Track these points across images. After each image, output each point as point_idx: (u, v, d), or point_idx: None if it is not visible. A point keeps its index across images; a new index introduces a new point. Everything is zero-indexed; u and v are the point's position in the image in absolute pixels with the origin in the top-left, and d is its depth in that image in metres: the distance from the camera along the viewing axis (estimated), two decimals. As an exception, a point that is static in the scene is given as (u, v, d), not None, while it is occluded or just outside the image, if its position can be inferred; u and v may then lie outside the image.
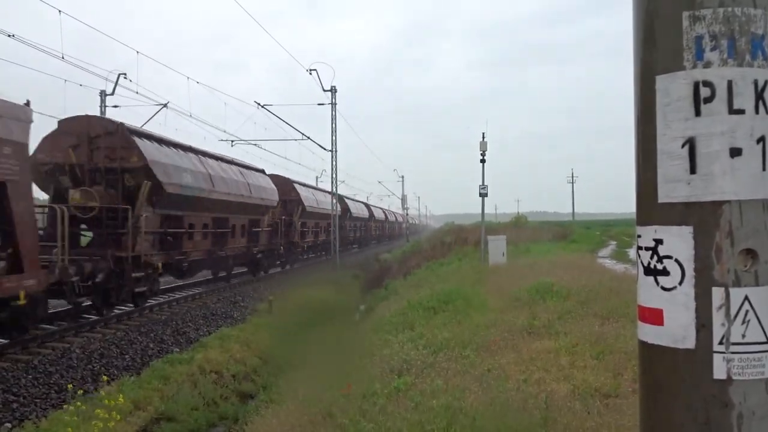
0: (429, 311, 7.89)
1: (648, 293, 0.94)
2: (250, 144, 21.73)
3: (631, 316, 6.00)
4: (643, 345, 0.95)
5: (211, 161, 11.15)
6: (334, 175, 23.06)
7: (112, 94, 15.42)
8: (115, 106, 16.56)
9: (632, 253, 19.51)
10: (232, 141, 21.46)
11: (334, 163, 22.93)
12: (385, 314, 8.55)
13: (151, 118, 15.62)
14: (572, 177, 63.12)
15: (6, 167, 3.19)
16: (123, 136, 7.71)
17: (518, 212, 51.73)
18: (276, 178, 18.16)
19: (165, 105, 15.97)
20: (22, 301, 4.14)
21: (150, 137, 8.74)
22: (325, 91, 21.37)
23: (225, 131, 19.21)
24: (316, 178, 50.82)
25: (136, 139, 7.91)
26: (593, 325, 5.81)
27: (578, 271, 10.60)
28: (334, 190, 23.06)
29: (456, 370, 4.60)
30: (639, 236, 0.98)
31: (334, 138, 22.45)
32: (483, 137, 16.74)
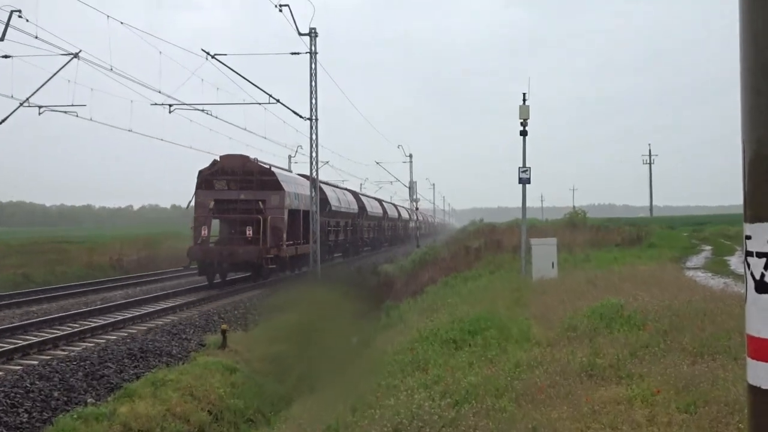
0: (448, 345, 7.80)
1: (763, 319, 0.90)
2: (195, 110, 21.63)
3: (735, 352, 5.76)
4: (756, 392, 0.94)
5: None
6: (313, 154, 22.76)
7: (2, 39, 14.97)
8: (6, 56, 16.03)
9: (736, 262, 19.05)
10: (170, 105, 21.30)
11: (313, 136, 22.66)
12: (387, 349, 8.59)
13: (55, 74, 16.28)
14: (649, 156, 61.31)
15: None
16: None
17: (574, 206, 50.97)
18: (305, 178, 26.55)
19: (75, 55, 16.11)
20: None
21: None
22: (301, 35, 20.90)
23: (160, 92, 18.87)
24: (289, 157, 54.03)
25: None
26: (680, 365, 5.59)
27: (658, 288, 10.47)
28: (314, 173, 22.99)
29: (488, 430, 4.42)
30: (748, 238, 0.97)
31: (313, 101, 22.01)
32: (524, 100, 16.63)
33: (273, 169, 23.97)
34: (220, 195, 23.71)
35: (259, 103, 21.48)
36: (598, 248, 22.99)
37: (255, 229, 23.45)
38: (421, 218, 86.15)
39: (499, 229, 44.51)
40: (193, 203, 22.95)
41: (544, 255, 15.83)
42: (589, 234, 28.07)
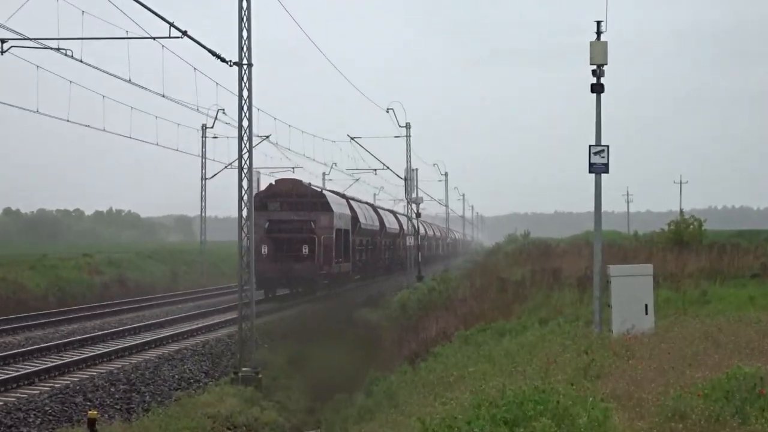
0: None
1: None
2: (45, 47, 21.55)
3: None
4: None
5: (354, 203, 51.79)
6: (244, 121, 23.08)
7: None
8: None
9: None
10: (2, 41, 21.50)
11: (244, 92, 22.89)
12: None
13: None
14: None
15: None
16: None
17: (681, 210, 48.43)
18: (336, 194, 48.27)
19: None
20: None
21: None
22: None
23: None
24: (204, 126, 56.25)
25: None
26: None
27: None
28: (244, 154, 22.93)
29: None
30: None
31: (243, 34, 22.43)
32: (598, 32, 16.62)
33: (324, 191, 41.61)
34: (274, 216, 43.63)
35: (154, 38, 21.01)
36: (722, 281, 22.87)
37: (310, 247, 42.57)
38: (425, 230, 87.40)
39: (555, 249, 44.80)
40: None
41: (631, 293, 15.95)
42: (707, 258, 27.75)
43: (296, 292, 44.94)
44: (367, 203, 64.01)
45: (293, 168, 64.61)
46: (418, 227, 65.76)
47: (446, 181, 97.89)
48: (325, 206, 45.16)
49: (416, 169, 62.02)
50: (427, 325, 27.12)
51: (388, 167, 61.30)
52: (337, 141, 59.52)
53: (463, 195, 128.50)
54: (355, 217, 52.32)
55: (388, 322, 34.43)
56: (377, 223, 60.32)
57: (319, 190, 48.03)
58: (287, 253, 43.14)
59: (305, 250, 42.76)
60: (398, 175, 61.20)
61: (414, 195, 61.53)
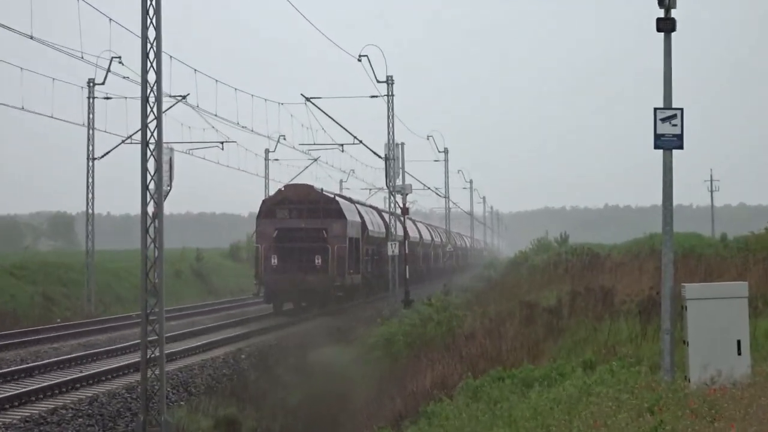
0: None
1: None
2: None
3: None
4: None
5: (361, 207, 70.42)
6: (153, 74, 23.02)
7: None
8: None
9: None
10: None
11: (150, 26, 22.55)
12: None
13: None
14: None
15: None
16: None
17: None
18: (344, 199, 65.26)
19: None
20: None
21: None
22: None
23: None
24: (92, 82, 56.87)
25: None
26: None
27: None
28: (150, 125, 22.84)
29: None
30: None
31: None
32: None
33: (336, 197, 56.16)
34: (282, 224, 56.66)
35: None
36: None
37: (323, 257, 55.34)
38: (418, 233, 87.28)
39: (606, 260, 44.63)
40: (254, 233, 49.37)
41: (717, 324, 16.10)
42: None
43: (302, 307, 58.32)
44: (371, 206, 76.38)
45: (222, 143, 64.72)
46: (406, 229, 65.71)
47: (446, 159, 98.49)
48: (338, 213, 57.99)
49: (401, 144, 61.97)
50: (418, 372, 27.12)
51: (360, 141, 61.39)
52: (286, 103, 59.55)
53: (471, 181, 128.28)
54: (363, 224, 64.71)
55: (364, 367, 34.59)
56: (383, 230, 72.18)
57: (332, 196, 61.71)
58: (298, 263, 56.02)
59: (318, 260, 55.69)
60: (376, 153, 61.23)
61: (398, 182, 61.48)
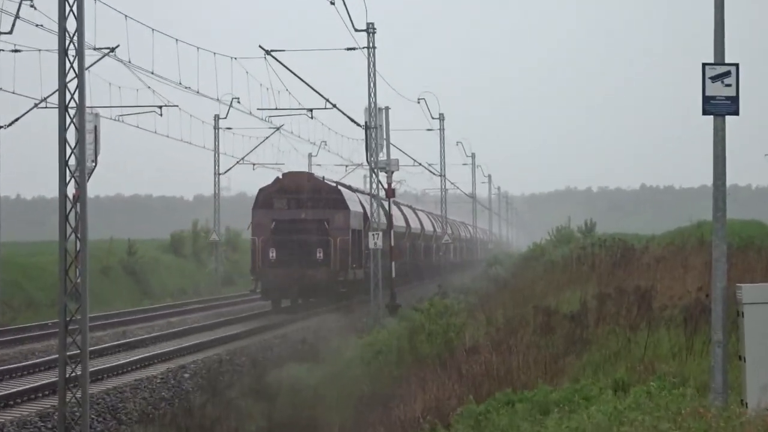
0: None
1: None
2: None
3: None
4: None
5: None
6: (74, 21, 22.85)
7: None
8: None
9: None
10: None
11: None
12: None
13: None
14: None
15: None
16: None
17: None
18: (345, 187, 75.59)
19: None
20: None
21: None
22: None
23: None
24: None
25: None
26: None
27: None
28: (70, 85, 22.84)
29: None
30: None
31: None
32: None
33: (339, 186, 68.15)
34: (280, 215, 64.71)
35: None
36: None
37: (325, 251, 63.36)
38: (405, 222, 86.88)
39: (642, 254, 44.28)
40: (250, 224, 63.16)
41: None
42: None
43: (299, 304, 67.34)
44: (372, 194, 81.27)
45: (160, 108, 64.59)
46: (390, 215, 65.78)
47: (441, 128, 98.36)
48: (340, 204, 65.99)
49: (386, 109, 61.96)
50: (406, 395, 27.10)
51: (333, 105, 61.30)
52: (241, 58, 59.37)
53: (473, 156, 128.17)
54: (365, 215, 71.34)
55: (336, 390, 34.52)
56: (403, 223, 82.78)
57: (333, 184, 70.49)
58: (298, 257, 63.65)
59: (320, 254, 63.52)
60: (354, 120, 61.20)
61: (382, 156, 61.43)
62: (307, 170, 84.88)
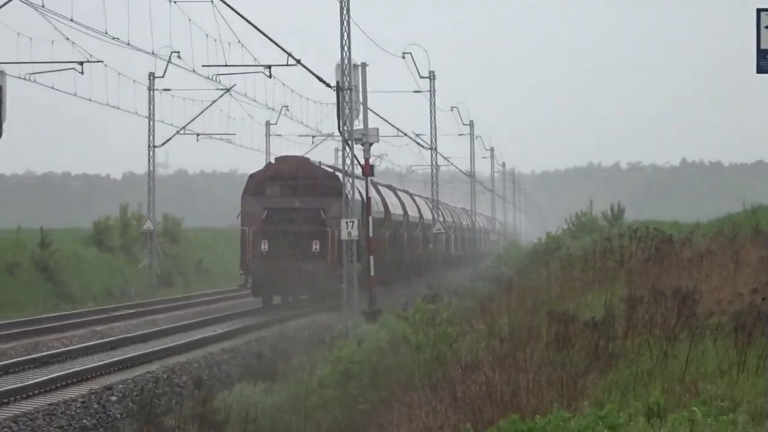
0: None
1: None
2: None
3: None
4: None
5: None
6: None
7: None
8: None
9: None
10: None
11: None
12: None
13: None
14: None
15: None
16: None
17: None
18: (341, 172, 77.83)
19: None
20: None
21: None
22: None
23: None
24: None
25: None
26: None
27: None
28: None
29: None
30: None
31: None
32: None
33: (337, 173, 74.00)
34: (272, 203, 73.64)
35: None
36: None
37: (322, 242, 71.91)
38: (383, 206, 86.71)
39: (683, 248, 44.15)
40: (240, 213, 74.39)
41: None
42: None
43: (290, 302, 75.94)
44: (388, 186, 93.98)
45: (81, 64, 64.51)
46: (368, 198, 65.90)
47: (432, 89, 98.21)
48: (338, 191, 68.78)
49: (363, 66, 61.98)
50: (387, 425, 27.16)
51: (297, 61, 61.35)
52: (181, 1, 59.41)
53: (471, 124, 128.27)
54: (363, 203, 75.28)
55: (299, 419, 34.55)
56: (382, 208, 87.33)
57: (331, 170, 77.75)
58: (293, 249, 71.06)
59: (316, 246, 70.33)
60: (322, 80, 61.23)
61: (357, 125, 61.47)
62: (264, 141, 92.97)
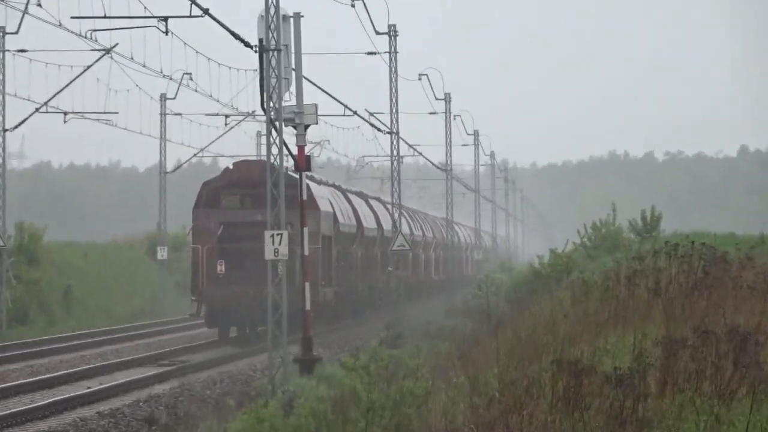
0: None
1: None
2: None
3: None
4: None
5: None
6: None
7: None
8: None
9: None
10: None
11: None
12: None
13: None
14: None
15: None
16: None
17: None
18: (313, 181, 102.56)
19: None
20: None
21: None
22: None
23: None
24: None
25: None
26: None
27: None
28: None
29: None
30: None
31: None
32: None
33: (307, 180, 72.75)
34: (230, 216, 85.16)
35: None
36: None
37: (288, 263, 68.19)
38: (334, 210, 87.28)
39: (738, 269, 44.29)
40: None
41: None
42: None
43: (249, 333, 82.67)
44: (334, 185, 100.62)
45: None
46: (302, 202, 65.85)
47: (393, 50, 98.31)
48: (308, 202, 71.47)
49: (296, 16, 62.05)
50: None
51: (205, 11, 61.41)
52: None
53: (447, 96, 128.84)
54: (334, 215, 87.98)
55: None
56: (354, 221, 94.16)
57: (296, 175, 76.55)
58: (253, 272, 74.68)
59: (281, 268, 69.01)
60: (236, 36, 61.30)
61: (287, 99, 61.45)
62: (159, 123, 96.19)
